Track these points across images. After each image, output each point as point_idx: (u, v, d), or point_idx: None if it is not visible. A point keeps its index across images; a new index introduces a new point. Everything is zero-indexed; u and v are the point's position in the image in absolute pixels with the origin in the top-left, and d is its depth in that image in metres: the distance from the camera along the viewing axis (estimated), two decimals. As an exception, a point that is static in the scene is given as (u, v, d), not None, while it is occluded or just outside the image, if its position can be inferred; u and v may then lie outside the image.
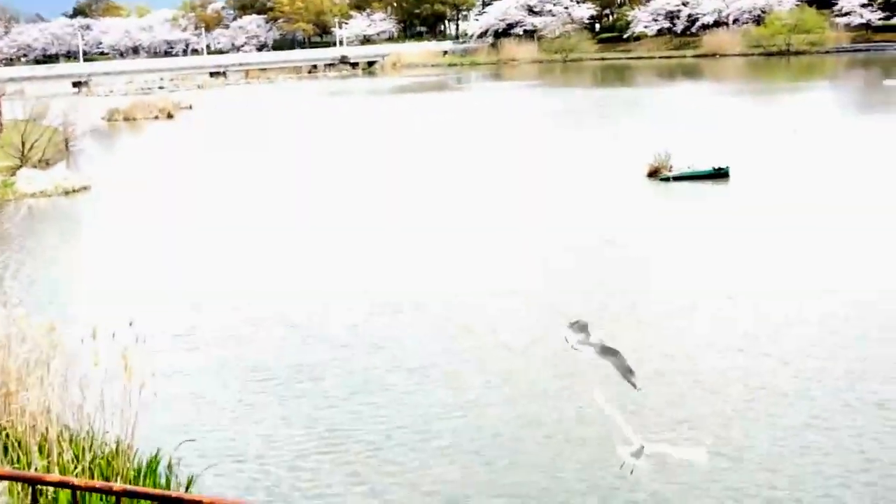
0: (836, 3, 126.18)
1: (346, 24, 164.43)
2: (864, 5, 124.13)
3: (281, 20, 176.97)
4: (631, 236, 28.21)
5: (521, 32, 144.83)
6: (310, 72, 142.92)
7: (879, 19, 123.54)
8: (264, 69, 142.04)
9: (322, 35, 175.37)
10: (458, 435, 14.98)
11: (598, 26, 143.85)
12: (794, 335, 18.65)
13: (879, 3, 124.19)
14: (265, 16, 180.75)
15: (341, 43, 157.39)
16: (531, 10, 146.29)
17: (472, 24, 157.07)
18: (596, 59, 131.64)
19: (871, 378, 16.28)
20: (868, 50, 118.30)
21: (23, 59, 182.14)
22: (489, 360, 18.27)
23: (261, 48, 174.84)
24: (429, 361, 18.25)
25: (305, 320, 21.16)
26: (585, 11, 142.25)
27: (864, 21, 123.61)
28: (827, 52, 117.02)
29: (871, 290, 21.28)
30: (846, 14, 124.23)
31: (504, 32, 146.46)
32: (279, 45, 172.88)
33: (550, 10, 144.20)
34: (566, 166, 42.13)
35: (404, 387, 17.02)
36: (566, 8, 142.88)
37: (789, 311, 20.07)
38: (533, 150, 48.48)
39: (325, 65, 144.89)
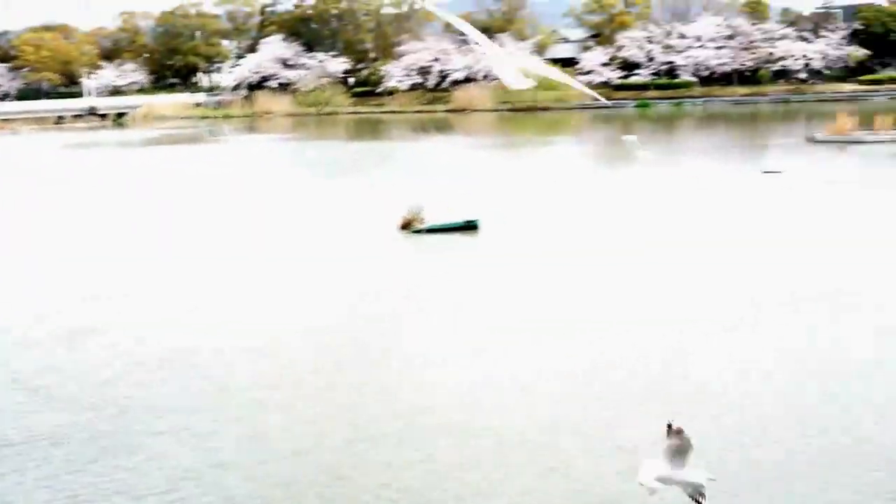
0: (579, 63, 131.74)
1: (95, 74, 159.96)
2: (604, 65, 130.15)
3: (26, 69, 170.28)
4: (382, 288, 28.25)
5: (275, 85, 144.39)
6: (56, 122, 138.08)
7: (619, 78, 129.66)
8: (7, 119, 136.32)
9: (69, 85, 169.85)
10: (207, 498, 14.49)
11: (352, 80, 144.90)
12: (542, 386, 19.00)
13: (618, 63, 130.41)
14: (8, 64, 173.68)
15: (90, 93, 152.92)
16: (285, 64, 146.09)
17: (226, 77, 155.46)
18: (350, 113, 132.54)
19: (617, 425, 16.73)
20: (608, 107, 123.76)
21: None
22: (243, 418, 17.83)
23: (3, 98, 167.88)
24: (181, 422, 17.65)
25: (49, 380, 20.16)
26: (339, 66, 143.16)
27: (604, 79, 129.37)
28: (571, 108, 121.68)
29: (609, 337, 21.94)
30: (588, 72, 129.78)
31: (258, 85, 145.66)
32: (24, 95, 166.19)
33: (305, 64, 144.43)
34: (320, 219, 42.01)
35: (153, 450, 16.37)
36: (320, 62, 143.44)
37: (535, 362, 20.47)
38: (287, 203, 48.15)
39: (73, 116, 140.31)
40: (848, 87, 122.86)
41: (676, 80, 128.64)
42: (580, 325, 23.09)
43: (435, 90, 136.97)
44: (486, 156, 72.91)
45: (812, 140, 69.22)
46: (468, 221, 37.19)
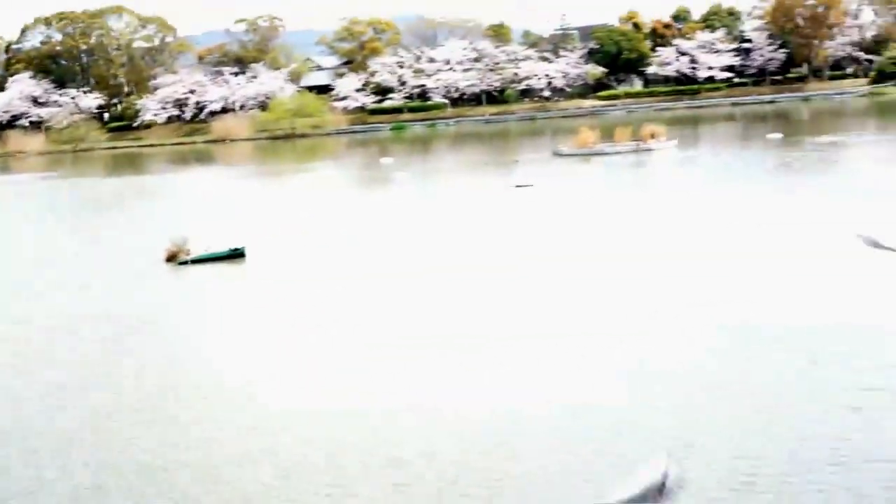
0: (334, 89, 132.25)
1: None
2: (358, 90, 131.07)
3: None
4: (148, 323, 27.53)
5: (27, 124, 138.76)
6: None
7: (373, 103, 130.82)
8: None
9: None
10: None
11: (107, 115, 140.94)
12: (320, 408, 18.93)
13: (372, 88, 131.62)
14: None
15: None
16: (36, 101, 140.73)
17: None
18: (107, 149, 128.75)
19: (397, 443, 16.84)
20: (365, 131, 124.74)
21: None
22: (20, 466, 17.05)
23: None
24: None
25: None
26: (93, 101, 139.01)
27: (359, 104, 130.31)
28: (329, 133, 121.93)
29: (386, 357, 22.07)
30: (343, 98, 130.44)
31: (9, 124, 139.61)
32: None
33: (56, 101, 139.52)
34: (83, 257, 40.70)
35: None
36: (73, 98, 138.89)
37: (313, 385, 20.40)
38: (45, 244, 46.40)
39: None
40: (588, 103, 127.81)
41: (429, 103, 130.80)
42: (354, 348, 23.13)
43: (192, 122, 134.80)
44: (248, 184, 72.22)
45: (558, 154, 71.63)
46: (234, 249, 36.74)
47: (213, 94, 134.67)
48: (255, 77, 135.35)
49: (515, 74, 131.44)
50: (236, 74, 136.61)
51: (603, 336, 22.38)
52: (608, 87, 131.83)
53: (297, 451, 16.78)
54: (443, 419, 17.87)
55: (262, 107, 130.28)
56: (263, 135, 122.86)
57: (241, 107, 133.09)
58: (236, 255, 36.59)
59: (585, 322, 23.83)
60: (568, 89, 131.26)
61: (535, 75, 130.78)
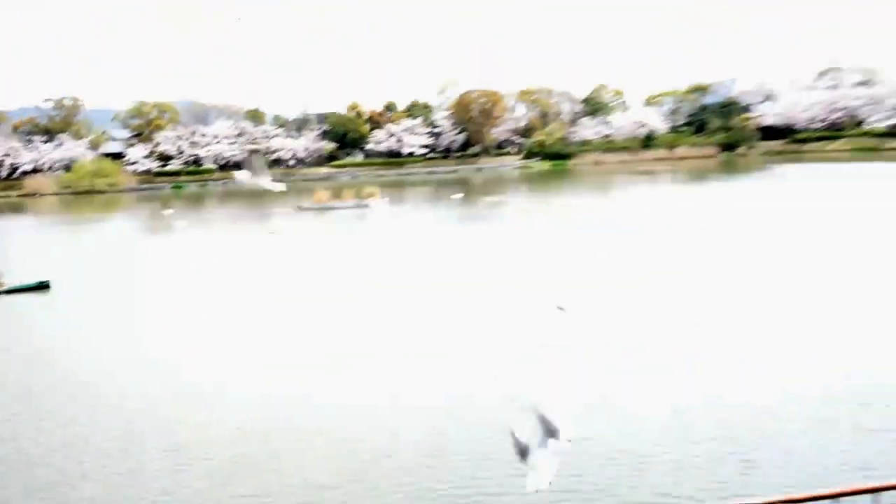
0: (126, 156, 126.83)
1: None
2: (146, 157, 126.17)
3: None
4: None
5: None
6: None
7: (157, 167, 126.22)
8: None
9: None
10: None
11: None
12: (155, 449, 18.24)
13: (157, 156, 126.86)
14: None
15: None
16: None
17: None
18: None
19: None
20: (151, 189, 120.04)
21: None
22: None
23: None
24: None
25: None
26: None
27: (146, 168, 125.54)
28: (122, 191, 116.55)
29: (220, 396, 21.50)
30: (134, 163, 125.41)
31: None
32: None
33: None
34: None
35: None
36: None
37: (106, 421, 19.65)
38: None
39: None
40: (324, 170, 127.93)
41: (202, 168, 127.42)
42: (160, 375, 22.38)
43: (8, 179, 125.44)
44: (55, 231, 68.03)
45: (301, 208, 71.50)
46: (40, 282, 34.81)
47: (26, 157, 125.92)
48: (61, 144, 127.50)
49: (268, 147, 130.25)
50: (45, 142, 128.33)
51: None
52: (338, 158, 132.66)
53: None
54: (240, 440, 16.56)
55: (67, 168, 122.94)
56: (68, 191, 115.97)
57: (49, 168, 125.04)
58: (43, 286, 34.68)
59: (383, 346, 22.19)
60: (308, 159, 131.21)
61: (284, 148, 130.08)
